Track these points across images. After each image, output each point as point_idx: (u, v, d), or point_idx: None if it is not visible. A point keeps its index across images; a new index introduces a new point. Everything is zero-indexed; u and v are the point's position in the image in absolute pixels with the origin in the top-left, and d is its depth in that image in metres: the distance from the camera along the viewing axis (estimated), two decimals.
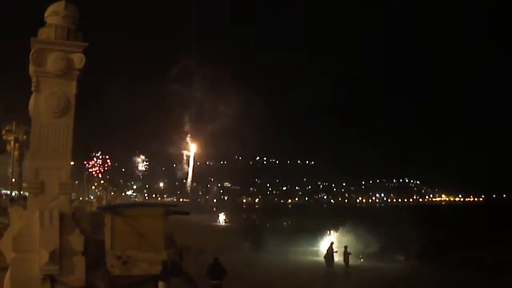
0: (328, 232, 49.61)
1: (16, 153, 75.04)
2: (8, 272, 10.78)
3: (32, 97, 11.34)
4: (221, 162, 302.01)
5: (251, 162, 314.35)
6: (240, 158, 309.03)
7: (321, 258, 36.75)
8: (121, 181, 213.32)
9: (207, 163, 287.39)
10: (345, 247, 34.94)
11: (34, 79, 11.26)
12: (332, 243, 35.90)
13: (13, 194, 76.50)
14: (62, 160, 11.29)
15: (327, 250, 34.69)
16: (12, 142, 73.59)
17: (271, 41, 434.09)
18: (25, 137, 76.93)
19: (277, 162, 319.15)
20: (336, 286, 28.76)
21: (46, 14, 11.58)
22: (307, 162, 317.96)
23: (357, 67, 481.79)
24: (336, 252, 34.52)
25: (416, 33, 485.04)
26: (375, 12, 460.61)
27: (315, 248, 43.92)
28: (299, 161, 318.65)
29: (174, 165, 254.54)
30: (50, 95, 11.21)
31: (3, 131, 74.21)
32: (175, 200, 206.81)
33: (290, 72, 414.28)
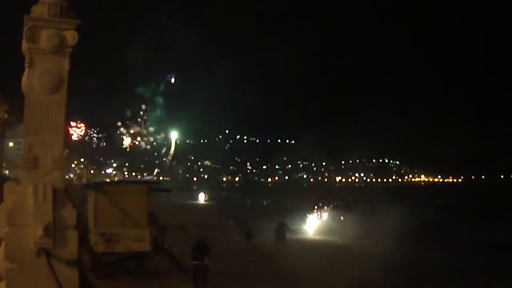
0: (309, 211, 50.26)
1: None
2: (2, 246, 10.96)
3: (25, 73, 11.44)
4: (201, 141, 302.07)
5: (231, 141, 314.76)
6: (220, 136, 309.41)
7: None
8: (100, 159, 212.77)
9: (187, 141, 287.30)
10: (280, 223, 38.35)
11: (27, 56, 11.35)
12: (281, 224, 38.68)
13: None
14: (55, 135, 11.43)
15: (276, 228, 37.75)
16: None
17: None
18: (6, 115, 76.56)
19: (257, 141, 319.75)
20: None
21: None
22: (287, 141, 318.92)
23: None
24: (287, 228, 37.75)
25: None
26: None
27: (296, 226, 44.63)
28: (279, 140, 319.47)
29: (154, 143, 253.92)
30: (44, 71, 11.31)
31: None
32: (155, 178, 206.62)
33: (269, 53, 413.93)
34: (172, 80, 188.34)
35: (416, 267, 28.71)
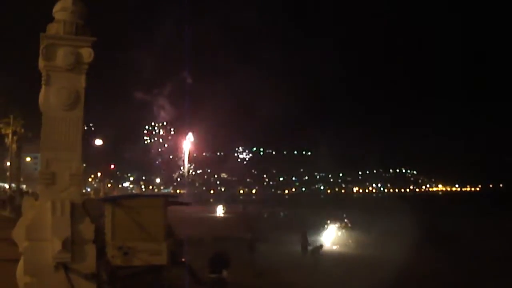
0: (326, 222, 49.93)
1: (14, 146, 75.42)
2: (21, 261, 11.12)
3: (42, 90, 11.64)
4: (218, 154, 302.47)
5: (248, 153, 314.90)
6: (236, 149, 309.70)
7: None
8: (117, 172, 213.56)
9: (204, 154, 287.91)
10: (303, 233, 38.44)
11: (44, 73, 11.56)
12: (305, 233, 38.69)
13: (12, 186, 76.80)
14: (73, 152, 11.60)
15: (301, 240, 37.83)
16: (10, 135, 73.93)
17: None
18: (22, 130, 77.23)
19: (273, 152, 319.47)
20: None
21: (54, 10, 11.85)
22: (303, 152, 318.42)
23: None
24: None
25: None
26: None
27: (313, 238, 44.41)
28: (295, 152, 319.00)
29: (171, 157, 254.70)
30: (60, 89, 11.51)
31: (0, 124, 74.54)
32: (172, 191, 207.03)
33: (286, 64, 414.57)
34: (188, 82, 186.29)
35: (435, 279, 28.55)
